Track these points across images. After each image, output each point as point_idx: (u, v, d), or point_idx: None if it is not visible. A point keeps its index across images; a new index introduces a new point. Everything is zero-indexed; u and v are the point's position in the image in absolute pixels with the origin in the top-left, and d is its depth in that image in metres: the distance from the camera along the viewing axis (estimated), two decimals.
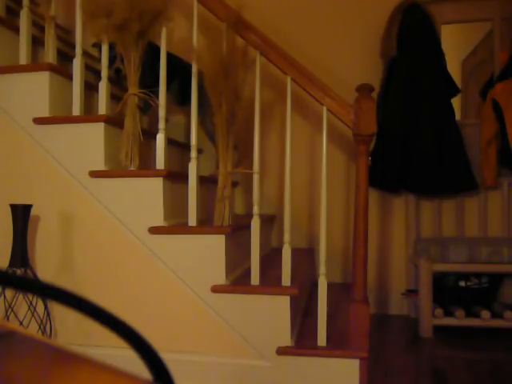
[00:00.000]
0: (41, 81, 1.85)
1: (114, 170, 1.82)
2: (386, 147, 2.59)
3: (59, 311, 1.82)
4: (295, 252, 2.33)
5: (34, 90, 1.86)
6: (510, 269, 2.36)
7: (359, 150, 1.62)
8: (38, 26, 2.20)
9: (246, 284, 1.70)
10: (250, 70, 1.76)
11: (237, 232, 1.83)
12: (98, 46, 2.08)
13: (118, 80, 2.19)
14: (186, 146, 2.51)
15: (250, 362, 1.65)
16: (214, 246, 1.69)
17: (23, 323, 1.80)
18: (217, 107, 1.71)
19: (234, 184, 2.77)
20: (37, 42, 2.09)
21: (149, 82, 1.89)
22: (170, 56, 1.93)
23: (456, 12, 2.76)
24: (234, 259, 1.83)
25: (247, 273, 1.78)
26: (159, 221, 1.74)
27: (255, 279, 1.68)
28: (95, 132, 1.81)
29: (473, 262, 2.40)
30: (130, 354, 1.62)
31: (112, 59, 1.94)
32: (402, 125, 2.57)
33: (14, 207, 1.69)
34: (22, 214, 1.68)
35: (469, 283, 2.49)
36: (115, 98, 2.14)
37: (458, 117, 2.71)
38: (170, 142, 2.21)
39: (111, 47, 1.88)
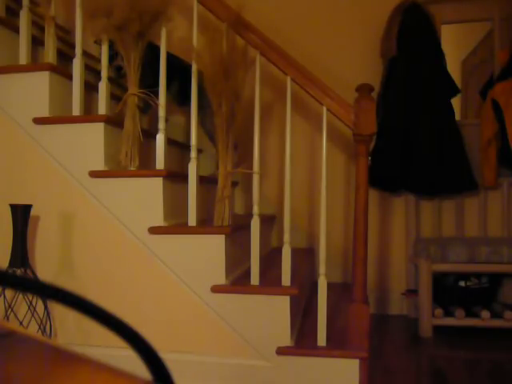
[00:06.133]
0: (41, 81, 1.85)
1: (113, 170, 1.82)
2: (386, 147, 2.59)
3: (59, 311, 1.82)
4: (295, 252, 2.32)
5: (33, 90, 1.86)
6: (509, 269, 2.36)
7: (359, 150, 1.62)
8: (38, 26, 2.20)
9: (246, 284, 1.70)
10: (250, 69, 1.76)
11: (237, 232, 1.83)
12: (100, 42, 2.08)
13: (119, 78, 2.19)
14: (185, 146, 2.51)
15: (249, 362, 1.65)
16: (213, 246, 1.69)
17: (23, 323, 1.80)
18: (217, 107, 1.71)
19: (234, 184, 2.77)
20: (37, 42, 2.09)
21: (149, 81, 1.89)
22: (169, 56, 1.93)
23: (456, 12, 2.76)
24: (234, 259, 1.83)
25: (247, 273, 1.78)
26: (159, 221, 1.74)
27: (255, 279, 1.68)
28: (95, 132, 1.81)
29: (473, 262, 2.40)
30: (130, 354, 1.62)
31: (112, 57, 1.94)
32: (402, 125, 2.57)
33: (13, 207, 1.69)
34: (22, 214, 1.68)
35: (469, 283, 2.49)
36: (115, 98, 2.14)
37: (458, 117, 2.71)
38: (169, 142, 2.22)
39: (111, 45, 1.88)
